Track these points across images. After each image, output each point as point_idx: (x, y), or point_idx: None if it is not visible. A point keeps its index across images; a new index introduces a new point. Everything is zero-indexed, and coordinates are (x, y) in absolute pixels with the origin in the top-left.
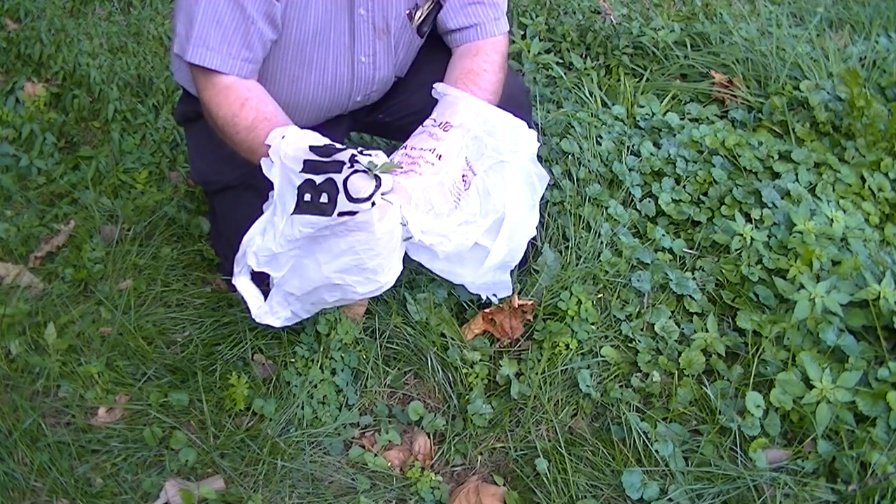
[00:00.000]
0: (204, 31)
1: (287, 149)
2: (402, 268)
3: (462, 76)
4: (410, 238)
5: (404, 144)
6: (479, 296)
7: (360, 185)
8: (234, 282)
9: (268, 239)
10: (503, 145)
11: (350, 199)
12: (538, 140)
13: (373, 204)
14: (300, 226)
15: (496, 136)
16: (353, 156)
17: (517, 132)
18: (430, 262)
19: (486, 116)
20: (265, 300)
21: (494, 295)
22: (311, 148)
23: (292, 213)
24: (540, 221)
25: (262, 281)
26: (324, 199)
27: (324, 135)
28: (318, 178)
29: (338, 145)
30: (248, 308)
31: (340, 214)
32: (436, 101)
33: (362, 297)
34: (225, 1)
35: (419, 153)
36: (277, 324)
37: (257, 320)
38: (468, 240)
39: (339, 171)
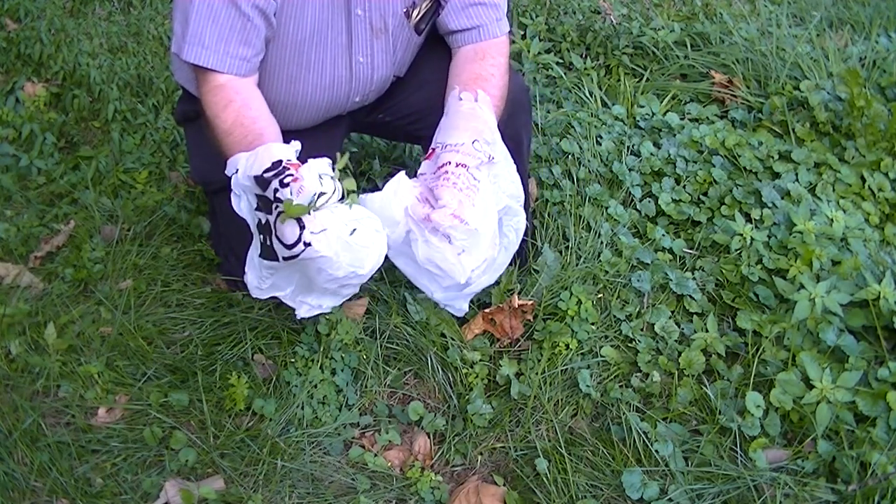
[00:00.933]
0: (199, 30)
1: (242, 180)
2: (383, 250)
3: (471, 81)
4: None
5: (441, 163)
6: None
7: (286, 233)
8: (261, 297)
9: (255, 274)
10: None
11: (283, 245)
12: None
13: (305, 244)
14: (265, 269)
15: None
16: (276, 189)
17: (518, 185)
18: (403, 265)
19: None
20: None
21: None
22: (256, 178)
23: (258, 256)
24: (540, 221)
25: None
26: (268, 242)
27: (322, 136)
28: (263, 217)
29: (274, 171)
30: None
31: (285, 259)
32: (437, 100)
33: (355, 289)
34: (222, 2)
35: (459, 170)
36: (327, 310)
37: (301, 316)
38: (463, 272)
39: (270, 213)
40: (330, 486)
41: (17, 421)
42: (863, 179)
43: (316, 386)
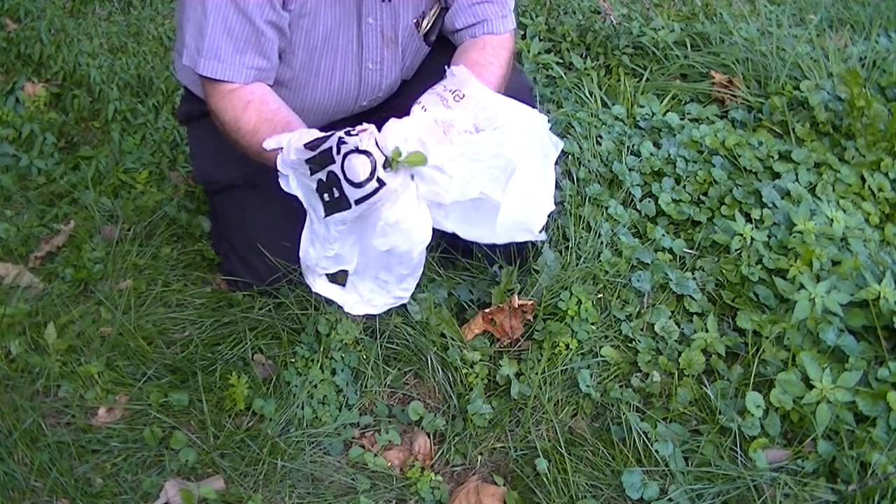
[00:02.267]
0: (215, 44)
1: (289, 156)
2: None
3: (467, 66)
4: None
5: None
6: (479, 296)
7: (357, 169)
8: (314, 290)
9: (318, 247)
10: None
11: (353, 184)
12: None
13: (378, 181)
14: (333, 226)
15: (505, 115)
16: (340, 139)
17: (527, 112)
18: (443, 219)
19: (498, 98)
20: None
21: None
22: (306, 146)
23: (324, 217)
24: None
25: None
26: (336, 193)
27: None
28: (323, 174)
29: (322, 134)
30: (340, 306)
31: (357, 203)
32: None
33: (415, 256)
34: (234, 13)
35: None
36: (377, 311)
37: (353, 313)
38: (472, 178)
39: (334, 161)
40: (330, 486)
41: (17, 421)
42: (863, 179)
43: (316, 386)
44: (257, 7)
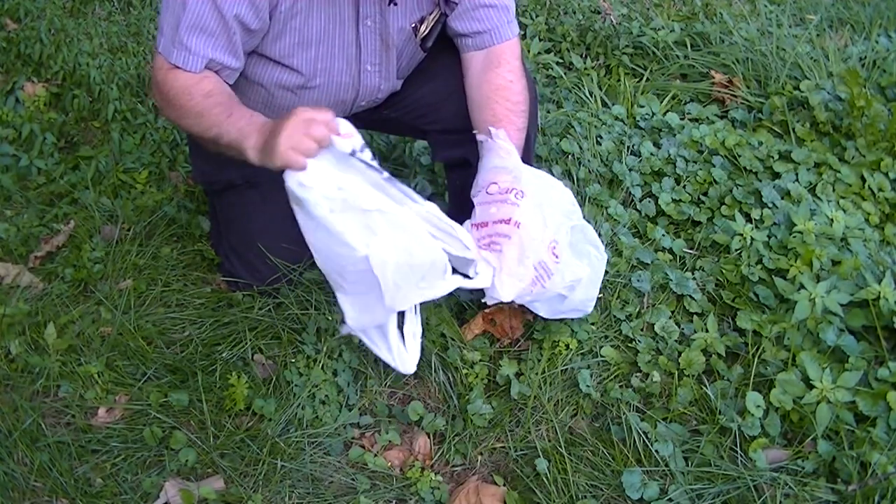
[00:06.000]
0: (188, 37)
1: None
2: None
3: (492, 93)
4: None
5: (475, 222)
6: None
7: None
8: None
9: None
10: (563, 208)
11: None
12: (538, 141)
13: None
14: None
15: (553, 201)
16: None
17: (565, 195)
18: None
19: (543, 180)
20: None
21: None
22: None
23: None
24: None
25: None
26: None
27: None
28: None
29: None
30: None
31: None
32: (443, 94)
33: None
34: (209, 10)
35: (494, 227)
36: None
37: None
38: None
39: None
40: (330, 486)
41: (17, 421)
42: (863, 179)
43: (317, 386)
44: (233, 6)
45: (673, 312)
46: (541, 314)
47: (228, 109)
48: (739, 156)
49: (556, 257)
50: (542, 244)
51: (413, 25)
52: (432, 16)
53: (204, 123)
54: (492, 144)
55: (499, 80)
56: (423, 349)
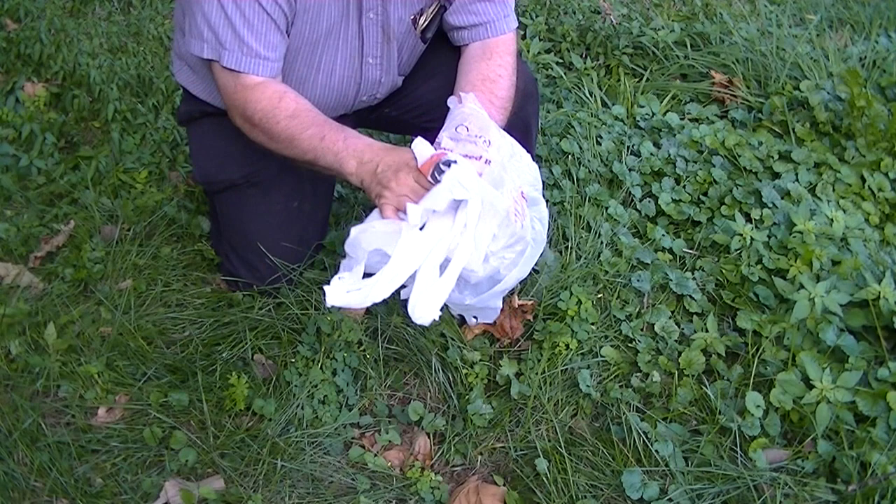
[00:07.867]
0: (235, 36)
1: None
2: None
3: (479, 83)
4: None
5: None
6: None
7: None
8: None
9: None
10: (526, 178)
11: None
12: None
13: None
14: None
15: (519, 167)
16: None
17: (531, 168)
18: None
19: (514, 148)
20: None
21: (475, 318)
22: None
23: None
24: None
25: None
26: None
27: None
28: None
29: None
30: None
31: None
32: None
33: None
34: (249, 5)
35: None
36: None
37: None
38: (502, 267)
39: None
40: (330, 486)
41: (17, 421)
42: (863, 179)
43: (317, 386)
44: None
45: (673, 312)
46: (459, 302)
47: (320, 132)
48: (739, 156)
49: (526, 200)
50: (512, 184)
51: (413, 17)
52: (431, 8)
53: (297, 149)
54: (461, 107)
55: (487, 72)
56: (422, 349)
